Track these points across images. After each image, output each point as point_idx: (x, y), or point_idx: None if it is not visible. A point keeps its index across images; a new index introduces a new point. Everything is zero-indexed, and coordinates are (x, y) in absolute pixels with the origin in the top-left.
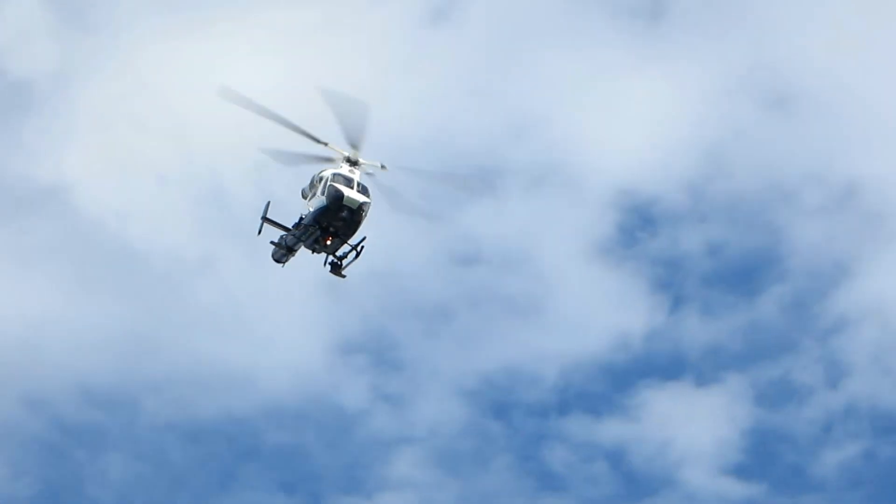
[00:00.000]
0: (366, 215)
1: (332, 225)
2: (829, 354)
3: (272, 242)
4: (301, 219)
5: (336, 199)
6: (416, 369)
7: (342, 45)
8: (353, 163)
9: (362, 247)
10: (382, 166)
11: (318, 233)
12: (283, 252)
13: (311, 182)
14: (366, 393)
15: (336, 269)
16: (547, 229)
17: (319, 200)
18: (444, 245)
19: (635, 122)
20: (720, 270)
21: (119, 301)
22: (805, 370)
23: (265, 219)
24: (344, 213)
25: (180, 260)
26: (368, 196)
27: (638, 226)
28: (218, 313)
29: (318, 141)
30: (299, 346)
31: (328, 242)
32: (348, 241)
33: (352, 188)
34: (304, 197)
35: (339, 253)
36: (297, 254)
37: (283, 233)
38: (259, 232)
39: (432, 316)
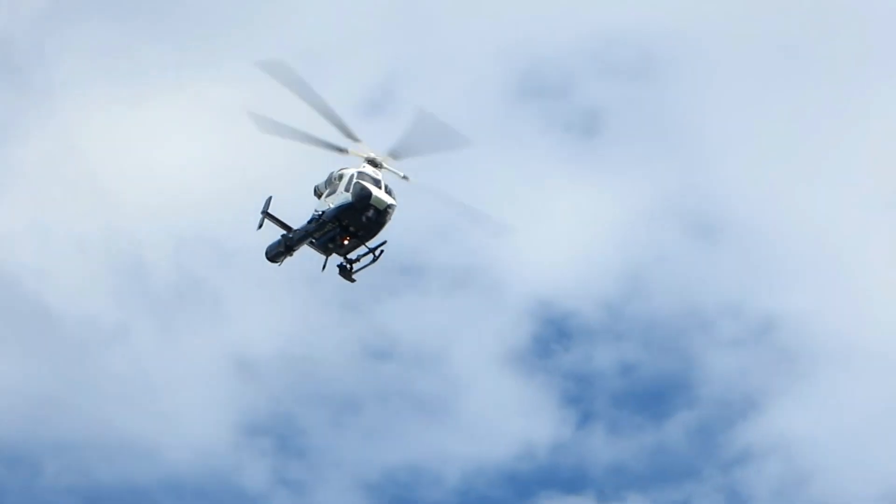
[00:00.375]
0: (390, 218)
1: (353, 224)
2: (731, 485)
3: (284, 236)
4: (321, 214)
5: (363, 197)
6: (320, 457)
7: None
8: (376, 164)
9: (382, 251)
10: (405, 177)
11: (337, 231)
12: (282, 251)
13: (329, 179)
14: (267, 476)
15: (346, 272)
16: (463, 332)
17: (343, 197)
18: (359, 336)
19: (560, 234)
20: (631, 390)
21: (29, 361)
22: (706, 498)
23: (266, 214)
24: (370, 213)
25: (95, 326)
26: (395, 199)
27: (553, 338)
28: (127, 383)
29: (339, 149)
30: (205, 422)
31: (345, 243)
32: (366, 244)
33: (380, 189)
34: (317, 194)
35: (351, 256)
36: (295, 254)
37: (283, 231)
38: (259, 226)
39: (341, 406)
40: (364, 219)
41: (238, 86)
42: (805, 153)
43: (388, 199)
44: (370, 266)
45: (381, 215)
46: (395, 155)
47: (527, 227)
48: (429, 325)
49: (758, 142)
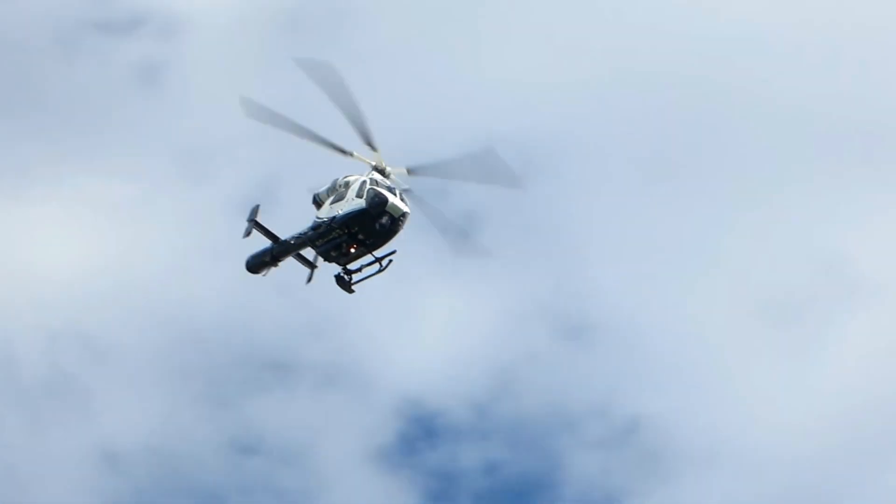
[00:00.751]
0: (403, 227)
1: (364, 231)
2: None
3: (271, 246)
4: (332, 220)
5: (379, 203)
6: None
7: (154, 224)
8: (383, 173)
9: (390, 261)
10: (406, 189)
11: (344, 238)
12: (267, 261)
13: (333, 186)
14: None
15: (344, 283)
16: (330, 428)
17: (355, 203)
18: (226, 431)
19: (431, 335)
20: (495, 489)
21: None
22: None
23: (254, 222)
24: (384, 220)
25: None
26: (408, 208)
27: (420, 436)
28: None
29: (343, 151)
30: None
31: (352, 251)
32: (373, 253)
33: (395, 196)
34: (317, 203)
35: (352, 266)
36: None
37: (269, 241)
38: (247, 234)
39: (206, 500)
40: (377, 226)
41: (118, 182)
42: (671, 260)
43: (403, 207)
44: (374, 276)
45: (395, 223)
46: (412, 171)
47: (399, 326)
48: (296, 421)
49: (627, 247)
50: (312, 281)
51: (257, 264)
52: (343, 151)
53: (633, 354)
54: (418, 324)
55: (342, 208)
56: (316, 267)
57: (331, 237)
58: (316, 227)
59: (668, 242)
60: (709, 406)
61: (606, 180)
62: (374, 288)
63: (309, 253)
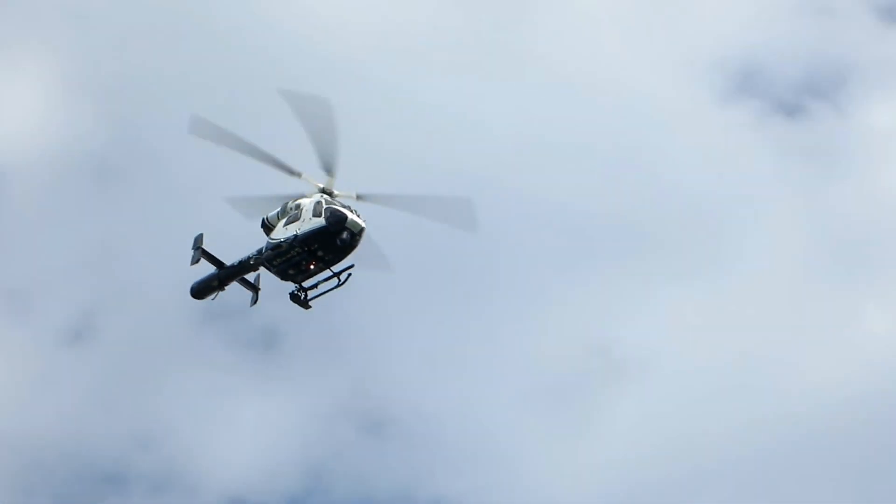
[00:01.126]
0: (360, 242)
1: (324, 248)
2: None
3: (217, 271)
4: (293, 238)
5: (339, 220)
6: None
7: None
8: (330, 195)
9: (349, 275)
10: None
11: (304, 256)
12: (214, 285)
13: (283, 209)
14: None
15: (300, 300)
16: None
17: (314, 222)
18: None
19: (249, 439)
20: None
21: None
22: None
23: (201, 249)
24: (344, 236)
25: None
26: (364, 223)
27: None
28: None
29: (292, 172)
30: None
31: (311, 268)
32: (332, 268)
33: (351, 213)
34: (267, 227)
35: (307, 283)
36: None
37: (214, 268)
38: (196, 261)
39: None
40: (338, 242)
41: None
42: (458, 353)
43: (361, 223)
44: (333, 290)
45: (354, 238)
46: (361, 197)
47: (219, 434)
48: None
49: (419, 347)
50: (258, 303)
51: (204, 289)
52: (292, 172)
53: (431, 442)
54: (238, 430)
55: (301, 228)
56: (259, 289)
57: (289, 256)
58: (275, 248)
59: (454, 337)
60: (501, 482)
61: (397, 288)
62: (190, 396)
63: (250, 277)
